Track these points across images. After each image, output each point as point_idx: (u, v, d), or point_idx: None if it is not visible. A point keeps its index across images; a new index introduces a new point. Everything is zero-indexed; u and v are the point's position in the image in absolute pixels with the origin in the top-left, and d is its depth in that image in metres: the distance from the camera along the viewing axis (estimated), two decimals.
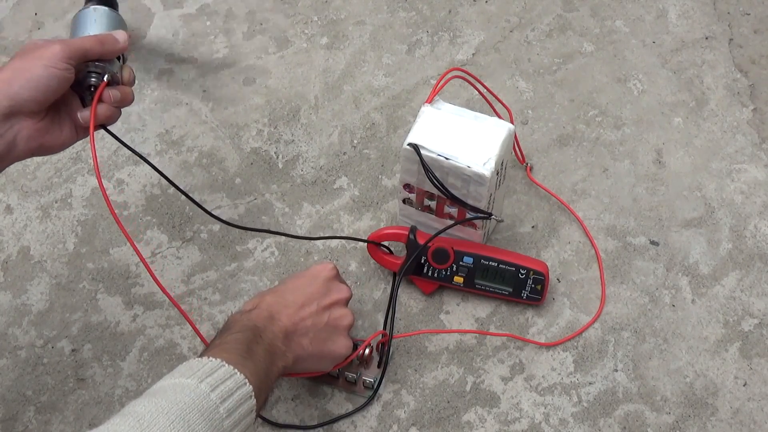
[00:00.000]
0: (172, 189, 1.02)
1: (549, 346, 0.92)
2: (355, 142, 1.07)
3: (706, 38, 1.16)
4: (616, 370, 0.90)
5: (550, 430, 0.87)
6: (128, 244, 0.97)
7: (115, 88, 0.79)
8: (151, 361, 0.91)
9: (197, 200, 1.01)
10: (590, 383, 0.89)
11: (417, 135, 0.87)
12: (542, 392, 0.89)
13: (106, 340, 0.92)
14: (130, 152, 0.85)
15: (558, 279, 0.96)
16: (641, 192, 1.02)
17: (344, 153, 1.06)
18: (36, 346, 0.92)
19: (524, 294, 0.92)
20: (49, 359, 0.91)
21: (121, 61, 0.82)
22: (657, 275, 0.96)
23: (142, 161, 0.86)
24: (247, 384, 0.67)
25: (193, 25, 1.17)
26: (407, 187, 0.91)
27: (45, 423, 0.87)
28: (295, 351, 0.78)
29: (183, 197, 1.02)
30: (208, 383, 0.65)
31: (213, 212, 1.00)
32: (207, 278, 0.96)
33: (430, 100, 0.90)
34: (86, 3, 0.83)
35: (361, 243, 0.97)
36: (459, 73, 0.94)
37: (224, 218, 0.99)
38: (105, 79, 0.78)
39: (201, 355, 0.70)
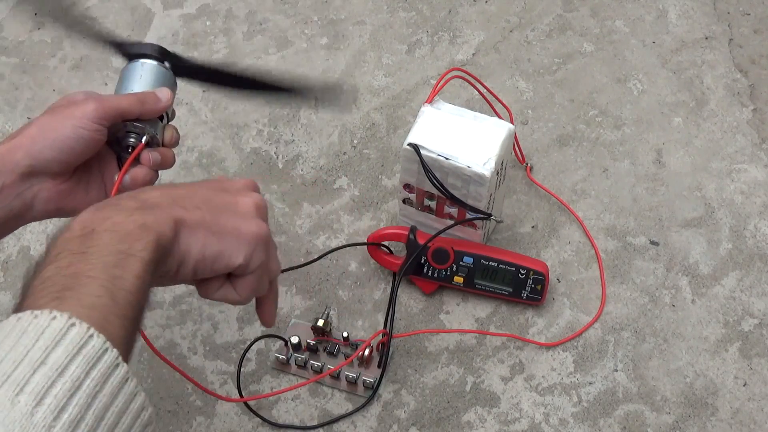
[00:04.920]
0: None
1: (549, 346, 0.92)
2: (355, 142, 1.07)
3: (706, 38, 1.16)
4: (616, 370, 0.90)
5: (550, 430, 0.87)
6: None
7: (155, 150, 0.71)
8: (151, 361, 0.91)
9: None
10: (590, 383, 0.89)
11: (417, 135, 0.87)
12: (542, 392, 0.89)
13: None
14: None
15: (558, 279, 0.96)
16: (641, 192, 1.02)
17: (344, 153, 1.06)
18: None
19: (524, 294, 0.92)
20: None
21: (164, 120, 0.74)
22: (657, 275, 0.96)
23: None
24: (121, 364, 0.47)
25: (193, 25, 1.17)
26: (407, 187, 0.91)
27: None
28: (171, 214, 0.55)
29: None
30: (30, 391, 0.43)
31: None
32: None
33: (430, 100, 0.90)
34: (136, 54, 0.75)
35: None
36: (459, 73, 0.94)
37: None
38: (143, 140, 0.71)
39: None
